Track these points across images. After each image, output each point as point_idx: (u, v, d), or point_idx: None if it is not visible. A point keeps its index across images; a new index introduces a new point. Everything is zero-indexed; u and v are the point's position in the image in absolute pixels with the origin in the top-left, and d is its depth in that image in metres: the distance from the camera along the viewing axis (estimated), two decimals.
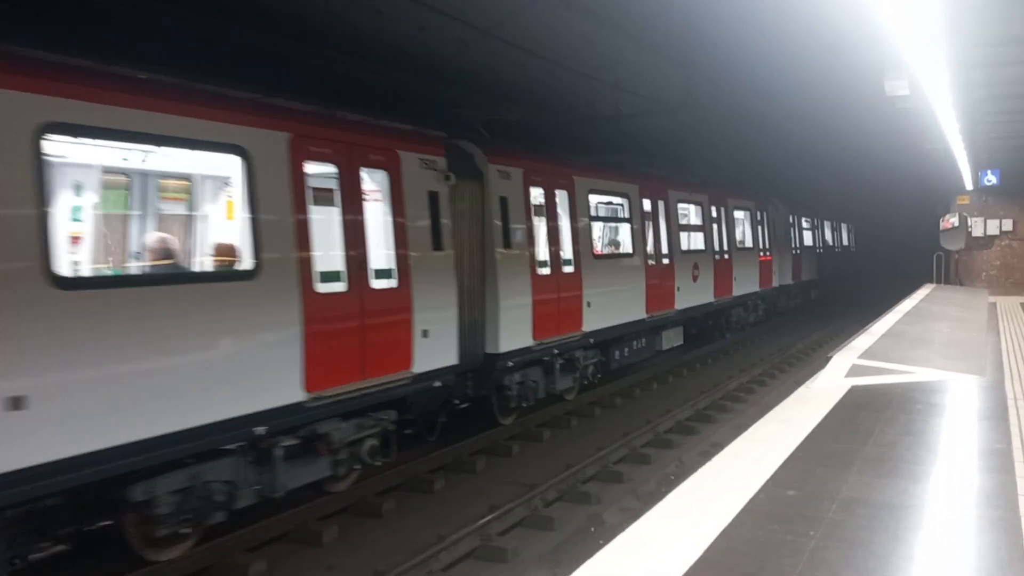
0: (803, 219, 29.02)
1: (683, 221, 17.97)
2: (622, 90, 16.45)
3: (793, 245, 26.91)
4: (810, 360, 18.87)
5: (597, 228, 14.80)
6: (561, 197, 12.76)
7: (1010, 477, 6.36)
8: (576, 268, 12.89)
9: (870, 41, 11.38)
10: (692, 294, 17.49)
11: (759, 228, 22.92)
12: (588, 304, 13.12)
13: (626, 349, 14.99)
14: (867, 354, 12.22)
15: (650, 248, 15.84)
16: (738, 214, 21.78)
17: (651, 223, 16.07)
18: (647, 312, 15.34)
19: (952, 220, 28.46)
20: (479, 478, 10.18)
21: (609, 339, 14.09)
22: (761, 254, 22.37)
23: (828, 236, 33.58)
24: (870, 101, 16.75)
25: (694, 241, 18.50)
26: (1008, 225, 28.61)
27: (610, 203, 15.24)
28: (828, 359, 11.99)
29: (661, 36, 14.06)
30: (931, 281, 29.00)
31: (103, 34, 8.45)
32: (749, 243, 22.09)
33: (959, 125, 15.64)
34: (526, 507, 8.81)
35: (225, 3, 9.77)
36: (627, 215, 15.07)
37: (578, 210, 13.05)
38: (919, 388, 9.88)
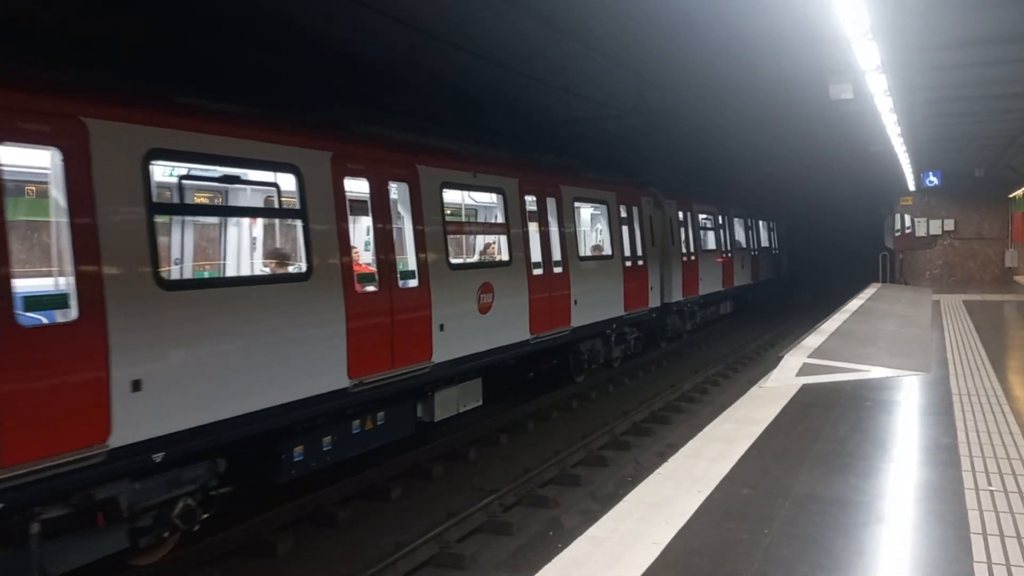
0: (724, 217, 25.28)
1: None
2: (574, 94, 16.57)
3: (700, 248, 22.38)
4: (762, 360, 19.16)
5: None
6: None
7: (956, 471, 6.51)
8: None
9: (814, 45, 11.62)
10: (484, 334, 11.51)
11: (625, 229, 17.10)
12: None
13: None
14: (817, 353, 12.43)
15: None
16: (585, 210, 17.12)
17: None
18: None
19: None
20: (437, 484, 10.12)
21: None
22: (627, 262, 16.86)
23: (763, 236, 31.10)
24: (816, 104, 17.09)
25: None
26: (950, 225, 29.47)
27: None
28: (779, 359, 12.17)
29: (614, 42, 14.19)
30: (877, 280, 29.65)
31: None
32: (607, 249, 16.44)
33: (901, 128, 16.03)
34: (484, 512, 8.78)
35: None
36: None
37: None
38: (867, 385, 10.08)
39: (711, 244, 24.03)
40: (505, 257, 12.46)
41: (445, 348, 10.34)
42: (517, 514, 8.98)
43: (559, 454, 10.98)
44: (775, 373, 10.97)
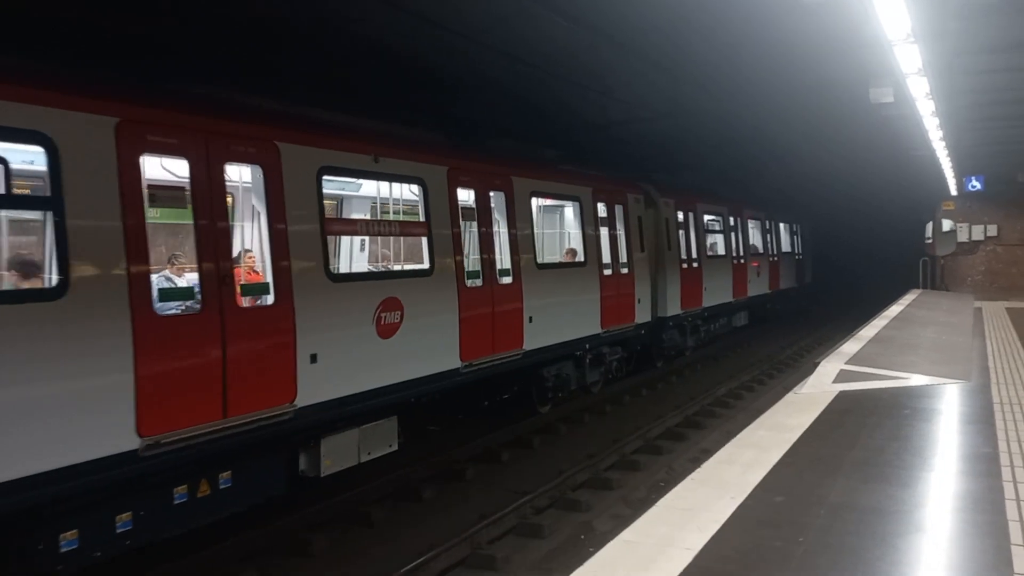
0: (736, 219, 22.61)
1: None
2: (610, 98, 16.52)
3: (704, 253, 19.74)
4: (799, 366, 18.95)
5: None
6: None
7: (996, 481, 6.41)
8: None
9: (855, 48, 11.48)
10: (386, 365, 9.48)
11: (604, 232, 14.47)
12: None
13: None
14: (855, 359, 12.28)
15: None
16: (548, 208, 14.50)
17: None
18: None
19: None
20: (469, 486, 10.17)
21: None
22: (606, 271, 14.28)
23: (784, 240, 28.30)
24: (854, 107, 16.88)
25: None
26: (993, 230, 28.88)
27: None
28: (816, 365, 12.04)
29: (648, 43, 14.13)
30: (917, 286, 29.17)
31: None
32: (579, 255, 13.63)
33: (943, 132, 15.79)
34: (516, 515, 8.81)
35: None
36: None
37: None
38: (906, 393, 9.93)
39: (720, 249, 21.57)
40: (423, 264, 10.08)
41: (314, 387, 8.01)
42: (549, 517, 9.00)
43: (592, 457, 10.97)
44: (811, 379, 10.87)
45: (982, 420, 8.50)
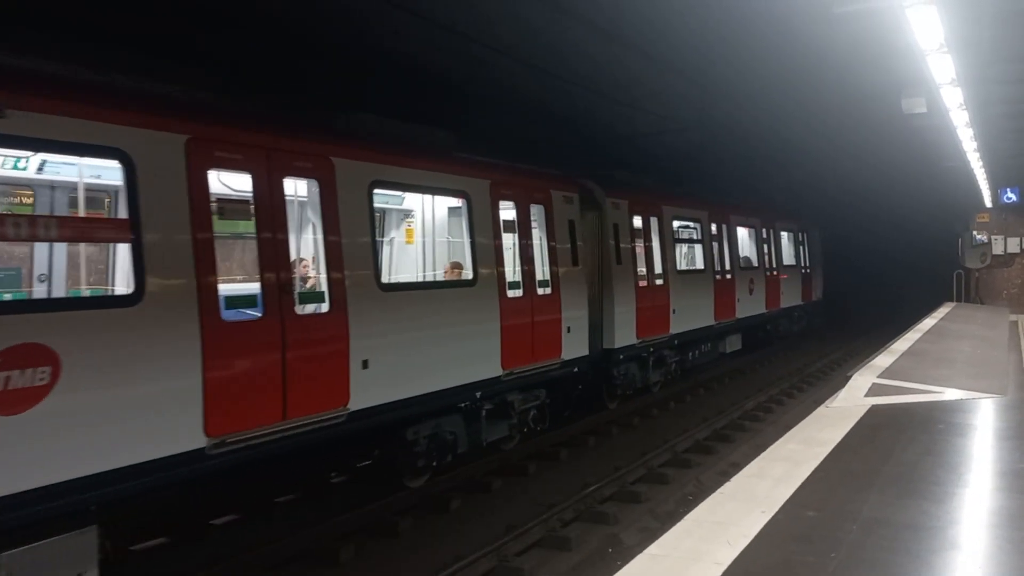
0: (719, 226, 19.06)
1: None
2: (638, 109, 16.49)
3: (673, 267, 16.33)
4: (830, 379, 18.72)
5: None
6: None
7: None
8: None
9: (886, 58, 11.38)
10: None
11: (509, 239, 11.23)
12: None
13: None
14: (887, 373, 12.10)
15: None
16: (400, 206, 11.14)
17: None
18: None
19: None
20: (495, 497, 10.14)
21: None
22: (512, 291, 10.99)
23: (788, 251, 24.72)
24: (886, 118, 16.71)
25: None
26: None
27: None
28: (848, 378, 11.88)
29: (676, 55, 14.13)
30: (951, 300, 28.73)
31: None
32: (466, 271, 10.48)
33: (977, 142, 15.57)
34: (543, 527, 8.76)
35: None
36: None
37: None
38: (941, 407, 9.77)
39: (697, 262, 18.27)
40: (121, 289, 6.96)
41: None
42: (576, 529, 8.94)
43: (619, 470, 10.90)
44: (843, 393, 10.72)
45: (1018, 436, 8.33)
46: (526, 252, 11.38)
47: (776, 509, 5.96)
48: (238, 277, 8.90)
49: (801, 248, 25.98)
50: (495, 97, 14.76)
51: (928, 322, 20.67)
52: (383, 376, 8.59)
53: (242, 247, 9.24)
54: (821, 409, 9.84)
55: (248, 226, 7.68)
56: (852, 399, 10.27)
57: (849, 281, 35.73)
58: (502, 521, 8.96)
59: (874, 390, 10.80)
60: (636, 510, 9.71)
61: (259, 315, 7.39)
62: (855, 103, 17.73)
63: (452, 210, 10.98)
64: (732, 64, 14.97)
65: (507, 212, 11.15)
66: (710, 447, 12.75)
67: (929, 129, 15.77)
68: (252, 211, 7.49)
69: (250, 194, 7.49)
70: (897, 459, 7.40)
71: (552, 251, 11.97)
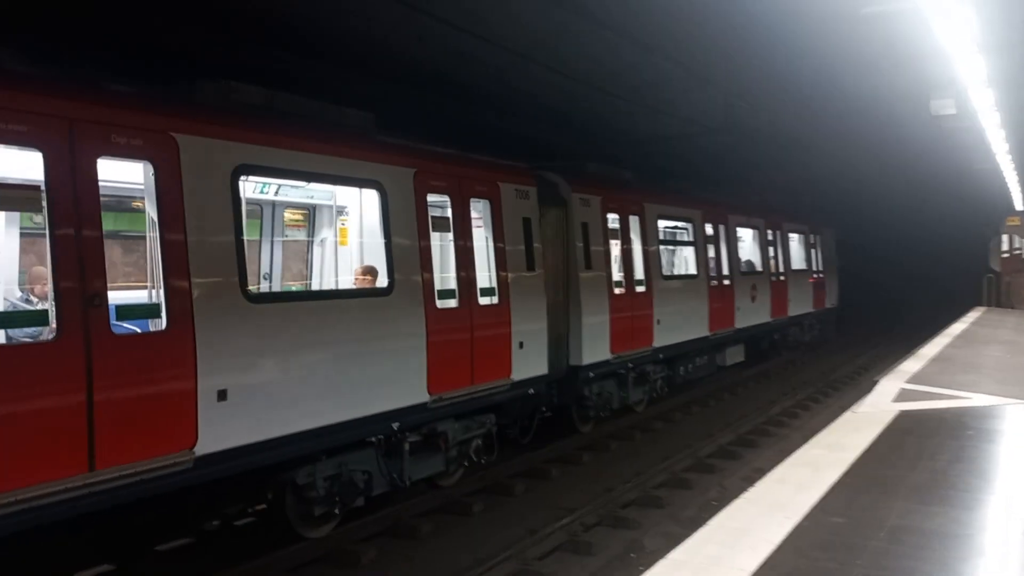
0: (715, 226, 17.36)
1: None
2: (660, 112, 16.41)
3: (657, 271, 14.57)
4: (856, 384, 18.50)
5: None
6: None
7: None
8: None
9: (914, 59, 11.24)
10: None
11: (438, 239, 9.74)
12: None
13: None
14: (915, 378, 11.94)
15: None
16: (293, 200, 9.55)
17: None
18: None
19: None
20: (518, 501, 10.11)
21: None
22: (443, 301, 9.38)
23: (797, 254, 23.23)
24: (912, 119, 16.49)
25: None
26: None
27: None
28: (874, 383, 11.74)
29: (703, 57, 14.02)
30: (980, 304, 28.31)
31: None
32: (382, 277, 8.79)
33: (1008, 145, 15.34)
34: (565, 531, 8.72)
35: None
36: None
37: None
38: (970, 413, 9.61)
39: (688, 267, 16.54)
40: None
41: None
42: (598, 534, 8.88)
43: (640, 475, 10.83)
44: (870, 398, 10.59)
45: None
46: (464, 255, 9.68)
47: (801, 515, 5.88)
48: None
49: (813, 251, 24.28)
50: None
51: (957, 327, 20.38)
52: (249, 409, 6.85)
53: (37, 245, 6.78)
54: (847, 415, 9.72)
55: (37, 220, 6.18)
56: (879, 404, 10.13)
57: (877, 283, 35.25)
58: (524, 525, 8.92)
59: (902, 395, 10.66)
60: (658, 515, 9.61)
61: (51, 337, 5.56)
62: (881, 103, 17.51)
63: (365, 205, 8.98)
64: (758, 68, 14.86)
65: (439, 208, 9.59)
66: (734, 452, 12.61)
67: (958, 131, 15.55)
68: (41, 200, 5.63)
69: (40, 180, 5.63)
70: (925, 465, 7.29)
71: (500, 254, 10.30)
